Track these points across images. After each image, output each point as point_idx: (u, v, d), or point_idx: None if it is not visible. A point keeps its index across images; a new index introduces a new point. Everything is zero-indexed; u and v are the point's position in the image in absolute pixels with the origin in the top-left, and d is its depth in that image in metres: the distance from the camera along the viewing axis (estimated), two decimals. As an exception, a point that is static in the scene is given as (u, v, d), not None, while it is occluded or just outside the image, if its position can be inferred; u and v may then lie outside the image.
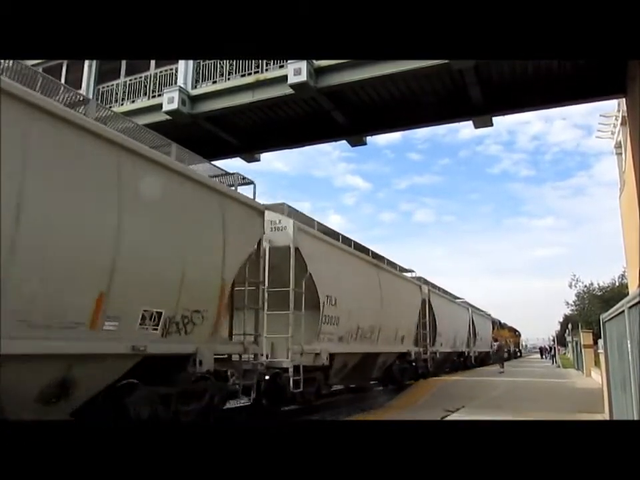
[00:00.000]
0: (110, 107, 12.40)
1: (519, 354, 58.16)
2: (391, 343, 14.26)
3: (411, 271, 17.93)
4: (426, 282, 19.80)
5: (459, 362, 24.76)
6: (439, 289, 22.71)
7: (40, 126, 4.61)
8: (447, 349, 21.69)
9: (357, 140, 13.17)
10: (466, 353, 26.22)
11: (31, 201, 4.46)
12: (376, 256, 14.48)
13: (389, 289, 14.05)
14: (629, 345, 4.60)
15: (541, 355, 51.93)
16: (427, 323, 18.20)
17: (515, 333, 58.68)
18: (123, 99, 12.81)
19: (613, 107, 14.47)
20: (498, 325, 42.87)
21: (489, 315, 38.25)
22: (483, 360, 32.24)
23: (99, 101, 12.79)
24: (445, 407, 10.19)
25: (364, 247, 13.79)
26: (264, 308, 8.71)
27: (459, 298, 27.80)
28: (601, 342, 8.36)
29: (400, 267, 16.64)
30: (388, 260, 15.56)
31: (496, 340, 34.84)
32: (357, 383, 14.95)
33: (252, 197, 8.21)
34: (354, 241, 13.00)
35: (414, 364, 16.58)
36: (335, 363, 10.83)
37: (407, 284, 16.64)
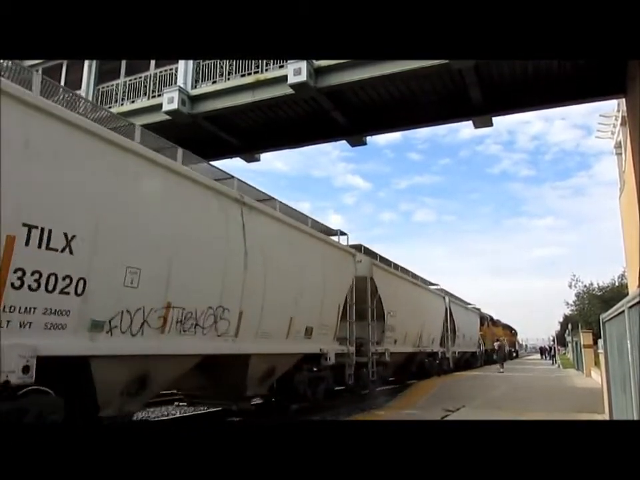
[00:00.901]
0: (110, 107, 12.42)
1: (515, 355, 52.03)
2: (275, 339, 8.30)
3: (339, 234, 11.58)
4: (369, 252, 13.90)
5: (429, 365, 18.98)
6: (396, 266, 16.23)
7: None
8: (407, 348, 15.81)
9: (356, 140, 13.19)
10: (439, 354, 20.34)
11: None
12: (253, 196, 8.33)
13: (263, 243, 7.98)
14: (628, 345, 4.60)
15: (541, 355, 51.90)
16: (370, 310, 12.51)
17: (511, 332, 52.41)
18: (122, 99, 12.81)
19: (612, 107, 14.50)
20: (489, 321, 36.45)
21: (478, 310, 32.63)
22: (468, 362, 27.16)
23: (99, 101, 12.83)
24: (445, 406, 10.19)
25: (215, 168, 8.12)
26: None
27: (432, 284, 21.58)
28: (600, 342, 8.36)
29: (314, 220, 10.49)
30: (284, 205, 9.45)
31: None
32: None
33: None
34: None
35: (349, 372, 11.17)
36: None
37: (316, 244, 9.93)
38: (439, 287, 22.61)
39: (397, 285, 15.24)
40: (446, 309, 21.93)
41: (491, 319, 38.46)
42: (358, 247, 13.12)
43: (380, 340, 13.34)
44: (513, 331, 55.17)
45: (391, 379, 15.77)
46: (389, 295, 13.94)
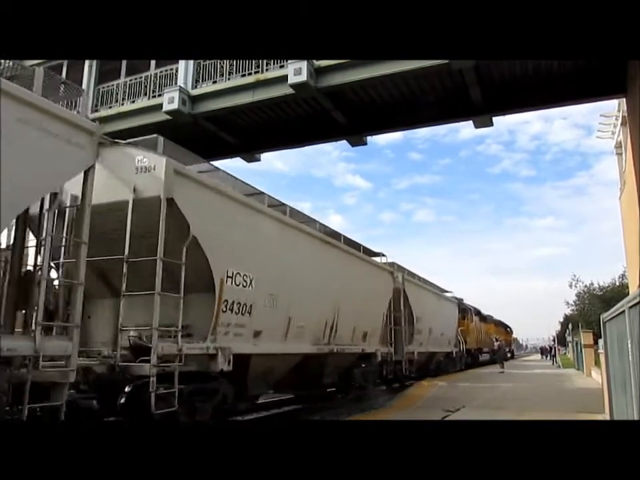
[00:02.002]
0: (110, 107, 12.43)
1: (509, 355, 44.48)
2: None
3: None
4: (178, 154, 6.95)
5: (362, 373, 12.18)
6: (282, 203, 9.59)
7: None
8: (293, 347, 8.93)
9: (357, 140, 13.17)
10: (379, 356, 12.82)
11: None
12: None
13: None
14: (629, 345, 4.60)
15: (542, 355, 51.83)
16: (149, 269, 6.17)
17: (506, 330, 45.74)
18: (123, 99, 12.81)
19: (613, 107, 14.49)
20: (472, 314, 28.84)
21: (458, 299, 25.61)
22: (441, 366, 20.93)
23: (99, 102, 12.83)
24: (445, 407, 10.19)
25: None
26: None
27: (376, 254, 14.03)
28: (601, 342, 8.36)
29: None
30: None
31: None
32: None
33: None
34: None
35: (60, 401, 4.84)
36: None
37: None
38: (389, 262, 14.92)
39: (254, 227, 7.89)
40: (399, 290, 14.51)
41: (478, 312, 31.55)
42: (151, 141, 6.85)
43: (205, 332, 6.80)
44: (508, 329, 48.36)
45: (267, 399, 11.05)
46: (226, 242, 7.17)
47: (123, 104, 12.68)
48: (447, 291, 23.45)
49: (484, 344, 31.71)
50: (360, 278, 12.00)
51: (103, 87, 13.12)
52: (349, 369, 11.85)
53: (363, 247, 13.06)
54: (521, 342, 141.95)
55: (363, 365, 12.33)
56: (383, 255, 14.44)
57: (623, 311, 4.86)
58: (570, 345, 37.68)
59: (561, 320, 56.87)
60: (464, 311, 26.55)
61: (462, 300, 26.93)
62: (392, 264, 15.23)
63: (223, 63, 11.64)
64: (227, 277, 7.15)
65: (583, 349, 21.51)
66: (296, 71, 10.21)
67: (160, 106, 11.66)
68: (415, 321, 15.82)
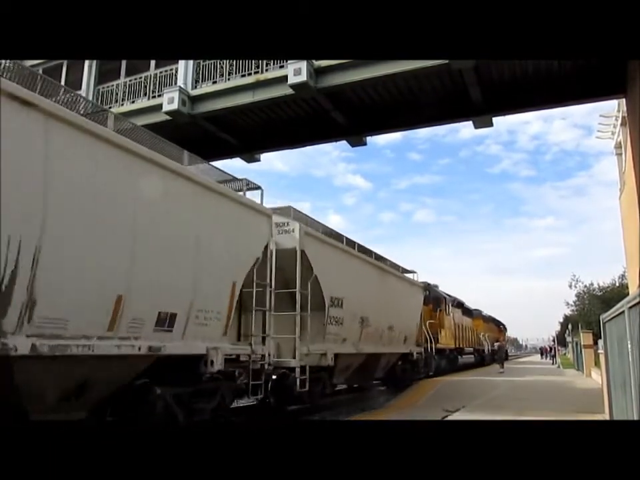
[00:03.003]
0: (110, 108, 12.42)
1: (504, 356, 32.92)
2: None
3: None
4: None
5: (181, 397, 6.41)
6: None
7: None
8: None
9: (356, 140, 13.18)
10: (218, 362, 6.44)
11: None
12: None
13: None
14: (628, 345, 4.60)
15: (542, 355, 52.03)
16: None
17: (498, 327, 39.73)
18: (122, 100, 12.82)
19: (613, 107, 14.48)
20: (448, 305, 22.45)
21: (429, 285, 19.81)
22: (395, 372, 14.80)
23: (99, 102, 12.82)
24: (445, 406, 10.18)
25: None
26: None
27: (234, 179, 8.05)
28: (601, 342, 8.36)
29: None
30: None
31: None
32: None
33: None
34: None
35: None
36: None
37: None
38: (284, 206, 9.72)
39: None
40: (294, 251, 8.77)
41: (460, 304, 25.34)
42: None
43: None
44: (501, 326, 41.97)
45: None
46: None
47: (122, 104, 12.68)
48: (408, 271, 16.65)
49: (467, 343, 25.98)
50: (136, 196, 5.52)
51: (103, 87, 13.12)
52: (142, 391, 6.07)
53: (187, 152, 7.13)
54: (520, 342, 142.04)
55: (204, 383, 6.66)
56: (256, 188, 8.27)
57: (623, 312, 4.86)
58: (570, 345, 37.68)
59: (561, 320, 57.00)
60: (436, 300, 20.42)
61: (435, 286, 21.19)
62: (286, 208, 9.63)
63: (223, 63, 11.65)
64: None
65: (582, 350, 21.50)
66: (296, 71, 10.22)
67: (160, 106, 11.67)
68: (326, 304, 9.69)
